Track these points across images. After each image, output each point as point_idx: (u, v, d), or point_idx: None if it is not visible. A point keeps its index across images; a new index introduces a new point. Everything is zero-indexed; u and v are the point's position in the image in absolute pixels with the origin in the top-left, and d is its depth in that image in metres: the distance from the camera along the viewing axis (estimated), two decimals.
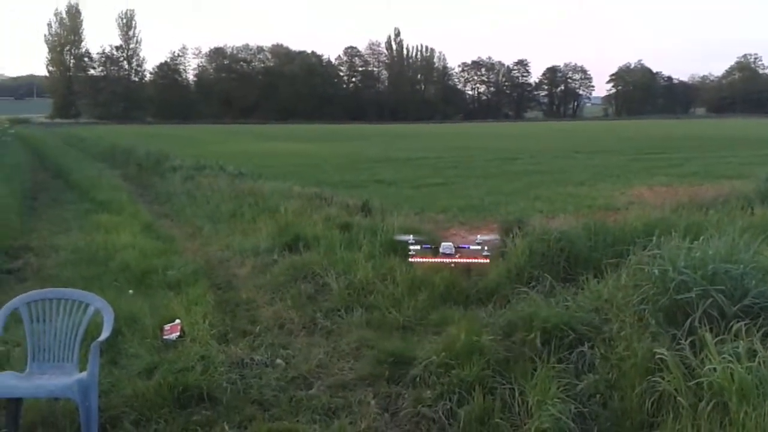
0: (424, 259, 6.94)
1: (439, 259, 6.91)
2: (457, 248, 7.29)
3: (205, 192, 13.13)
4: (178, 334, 5.30)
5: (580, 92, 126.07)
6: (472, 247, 7.19)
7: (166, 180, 16.32)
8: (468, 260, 6.85)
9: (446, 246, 7.21)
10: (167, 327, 5.43)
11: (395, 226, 8.36)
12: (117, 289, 6.48)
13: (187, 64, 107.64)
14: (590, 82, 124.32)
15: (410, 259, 6.97)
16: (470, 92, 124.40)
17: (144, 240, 9.24)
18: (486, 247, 7.00)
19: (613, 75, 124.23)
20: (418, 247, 7.34)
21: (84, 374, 3.69)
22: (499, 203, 12.31)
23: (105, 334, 3.84)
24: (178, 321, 5.52)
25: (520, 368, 3.94)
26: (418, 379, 4.33)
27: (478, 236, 7.51)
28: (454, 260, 6.86)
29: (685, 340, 3.68)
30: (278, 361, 5.03)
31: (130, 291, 6.56)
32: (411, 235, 7.64)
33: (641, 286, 4.39)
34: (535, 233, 6.66)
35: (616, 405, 3.59)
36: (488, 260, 6.75)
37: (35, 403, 4.07)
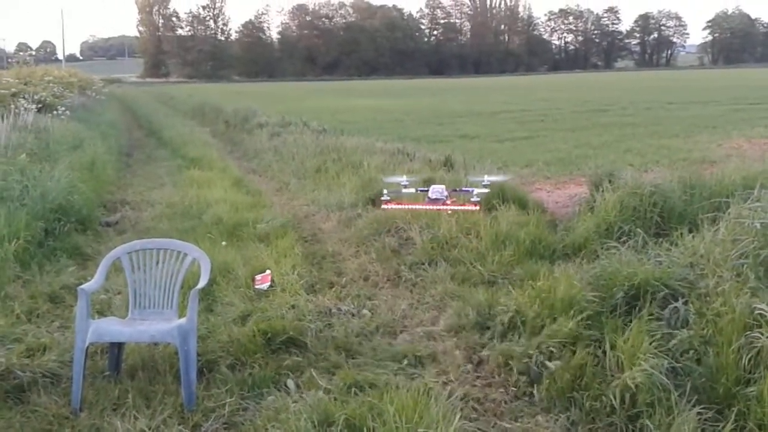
0: (399, 206, 6.14)
1: (417, 206, 6.12)
2: (456, 191, 6.41)
3: (290, 148, 13.35)
4: (269, 283, 5.49)
5: (674, 40, 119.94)
6: (477, 191, 6.24)
7: (253, 137, 16.67)
8: (452, 207, 6.01)
9: (436, 189, 6.19)
10: (258, 277, 5.62)
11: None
12: (211, 240, 6.72)
13: (270, 22, 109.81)
14: (685, 29, 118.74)
15: (383, 206, 6.18)
16: (557, 42, 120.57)
17: (234, 195, 9.54)
18: (476, 192, 6.09)
19: (709, 22, 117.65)
20: (412, 190, 6.45)
21: (183, 320, 3.85)
22: (587, 156, 11.94)
23: (203, 283, 3.98)
24: (268, 271, 5.70)
25: (611, 323, 3.87)
26: (504, 331, 4.33)
27: (486, 177, 6.55)
28: (435, 207, 6.00)
29: None
30: (364, 311, 5.13)
31: (223, 243, 6.79)
32: (404, 176, 6.73)
33: (740, 240, 4.20)
34: (626, 187, 6.43)
35: (711, 361, 3.48)
36: (478, 207, 5.98)
37: (136, 347, 4.29)
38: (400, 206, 6.23)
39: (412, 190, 6.57)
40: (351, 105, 30.26)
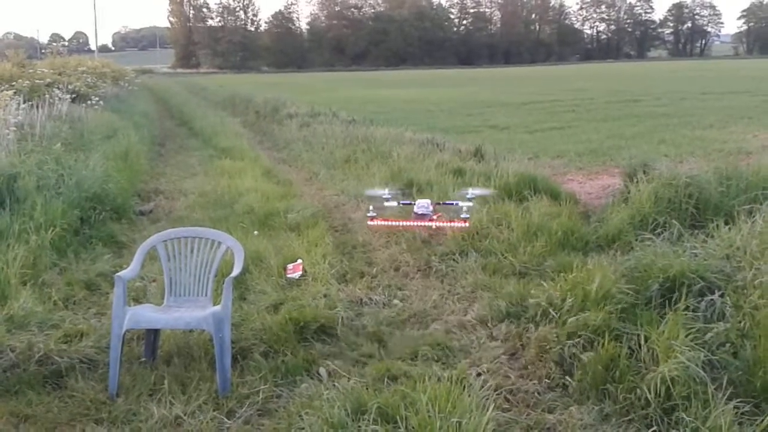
0: (384, 223, 6.19)
1: (403, 222, 6.18)
2: (441, 204, 6.49)
3: (320, 138, 13.40)
4: (300, 273, 5.52)
5: (709, 30, 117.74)
6: (461, 203, 6.32)
7: (283, 127, 16.75)
8: (439, 223, 6.07)
9: (422, 204, 6.26)
10: (290, 266, 5.66)
11: (509, 171, 8.23)
12: (243, 230, 6.79)
13: (299, 12, 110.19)
14: (719, 18, 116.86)
15: (368, 223, 6.24)
16: (588, 31, 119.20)
17: (265, 184, 9.60)
18: (465, 208, 6.16)
19: (744, 11, 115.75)
20: (395, 203, 6.50)
21: (218, 308, 3.90)
22: (620, 147, 11.80)
23: (236, 271, 4.02)
24: (300, 261, 5.74)
25: (646, 315, 3.83)
26: (537, 322, 4.30)
27: (470, 190, 6.65)
28: (420, 224, 6.09)
29: None
30: (395, 301, 5.14)
31: (255, 232, 6.85)
32: (386, 189, 6.78)
33: None
34: (661, 178, 6.34)
35: (748, 354, 3.42)
36: (467, 223, 6.02)
37: (172, 334, 4.35)
38: (386, 223, 6.26)
39: (395, 203, 6.58)
40: (380, 95, 30.22)
